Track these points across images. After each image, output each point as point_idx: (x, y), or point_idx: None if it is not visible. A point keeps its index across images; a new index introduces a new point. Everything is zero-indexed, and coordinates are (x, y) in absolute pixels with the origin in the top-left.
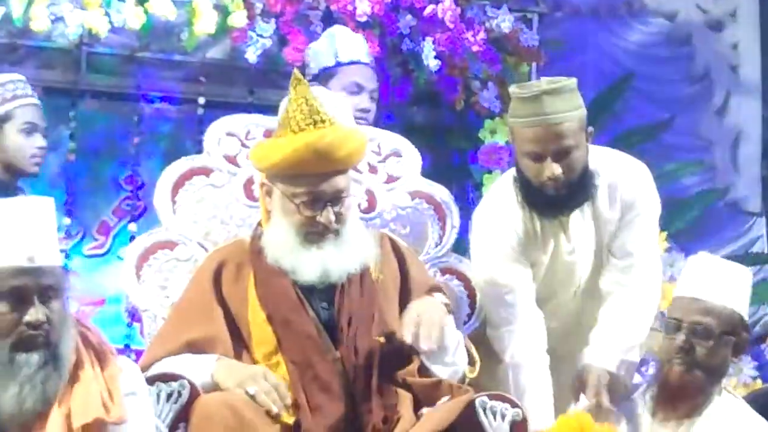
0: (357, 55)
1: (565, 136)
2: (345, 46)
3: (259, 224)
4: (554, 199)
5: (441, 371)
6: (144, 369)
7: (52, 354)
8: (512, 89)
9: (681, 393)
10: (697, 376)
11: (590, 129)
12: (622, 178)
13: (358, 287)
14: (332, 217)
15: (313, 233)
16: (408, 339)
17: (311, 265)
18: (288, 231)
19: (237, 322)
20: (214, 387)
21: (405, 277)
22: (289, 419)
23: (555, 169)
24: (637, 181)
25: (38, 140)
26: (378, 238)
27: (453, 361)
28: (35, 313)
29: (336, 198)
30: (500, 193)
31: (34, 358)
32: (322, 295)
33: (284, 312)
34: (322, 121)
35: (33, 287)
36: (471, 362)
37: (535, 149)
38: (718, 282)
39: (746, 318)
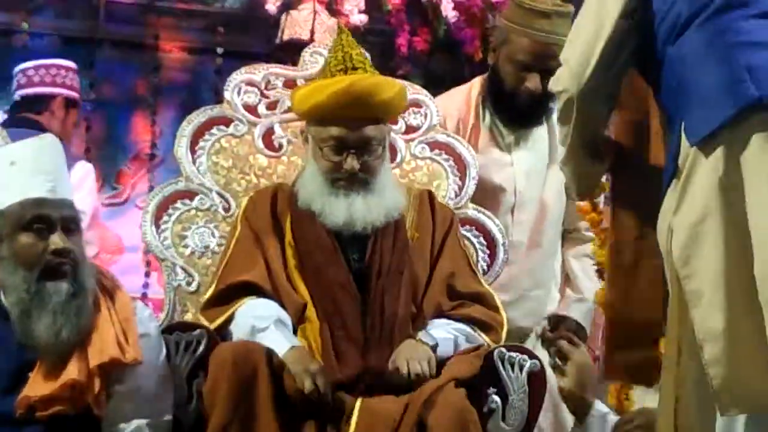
0: None
1: (556, 58)
2: None
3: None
4: (524, 109)
5: None
6: (224, 293)
7: (79, 285)
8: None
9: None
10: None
11: None
12: None
13: (390, 242)
14: (355, 165)
15: (340, 179)
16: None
17: (337, 210)
18: (317, 175)
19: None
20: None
21: (441, 244)
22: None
23: (538, 83)
24: None
25: None
26: (418, 196)
27: None
28: (60, 241)
29: (363, 147)
30: (465, 89)
31: (63, 286)
32: (354, 245)
33: (317, 256)
34: (355, 68)
35: (56, 216)
36: None
37: (527, 60)
38: None
39: None
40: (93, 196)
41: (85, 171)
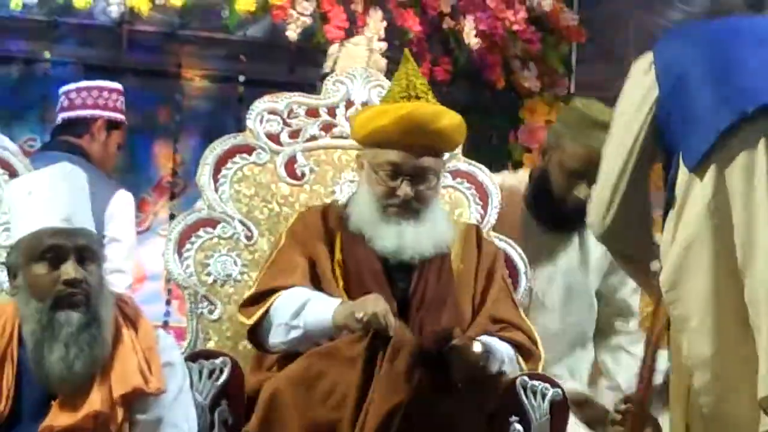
0: None
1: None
2: None
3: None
4: (570, 215)
5: None
6: (263, 293)
7: (93, 315)
8: (580, 107)
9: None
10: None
11: None
12: None
13: (436, 274)
14: (409, 192)
15: (392, 206)
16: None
17: (387, 236)
18: (370, 201)
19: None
20: (334, 329)
21: (486, 278)
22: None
23: (588, 193)
24: None
25: None
26: (465, 230)
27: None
28: (72, 271)
29: (418, 175)
30: (515, 180)
31: (74, 316)
32: (401, 273)
33: (366, 279)
34: (418, 97)
35: (69, 246)
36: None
37: (580, 168)
38: None
39: None
40: (132, 226)
41: (125, 200)
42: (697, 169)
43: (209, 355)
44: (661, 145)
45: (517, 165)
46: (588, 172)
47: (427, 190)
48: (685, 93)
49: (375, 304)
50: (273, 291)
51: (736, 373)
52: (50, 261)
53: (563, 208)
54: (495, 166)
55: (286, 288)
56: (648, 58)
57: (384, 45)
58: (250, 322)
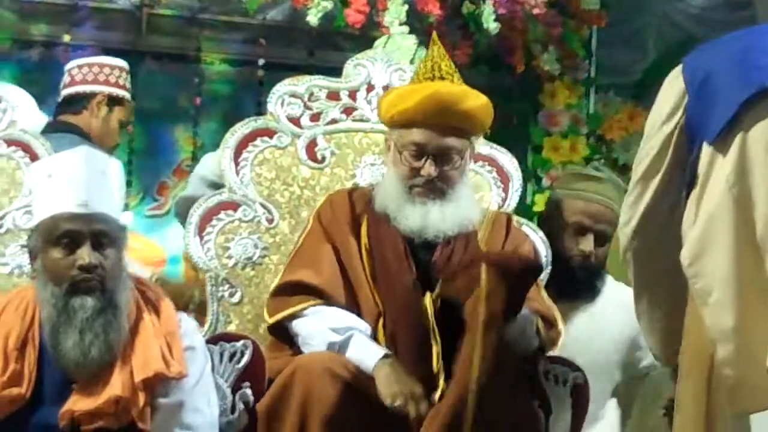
0: None
1: (611, 224)
2: None
3: None
4: (577, 275)
5: None
6: (292, 285)
7: (108, 300)
8: (570, 170)
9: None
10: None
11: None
12: None
13: (462, 247)
14: (432, 171)
15: (417, 186)
16: None
17: (411, 216)
18: (395, 181)
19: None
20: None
21: None
22: None
23: (591, 245)
24: None
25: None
26: (494, 216)
27: None
28: (87, 256)
29: (442, 154)
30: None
31: (89, 302)
32: (424, 251)
33: (388, 258)
34: (442, 78)
35: (85, 231)
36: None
37: (581, 221)
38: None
39: None
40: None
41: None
42: (718, 143)
43: (230, 338)
44: (690, 147)
45: (538, 149)
46: (589, 223)
47: (451, 170)
48: (708, 86)
49: (412, 389)
50: (301, 289)
51: (759, 344)
52: (66, 246)
53: (570, 271)
54: (515, 150)
55: (313, 290)
56: (677, 69)
57: (405, 29)
58: (270, 321)
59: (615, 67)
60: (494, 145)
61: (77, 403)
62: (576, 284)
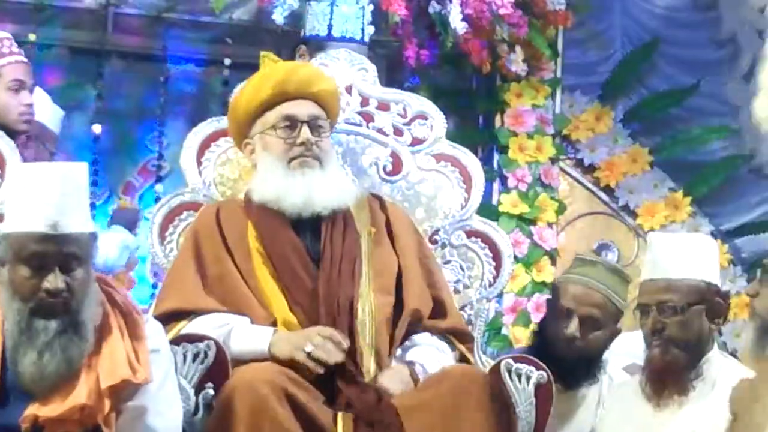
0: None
1: (597, 306)
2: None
3: None
4: (566, 361)
5: None
6: (186, 314)
7: (71, 321)
8: (576, 254)
9: (665, 374)
10: (675, 353)
11: (619, 326)
12: None
13: (341, 233)
14: (310, 136)
15: (296, 158)
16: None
17: (296, 190)
18: (272, 163)
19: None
20: (271, 357)
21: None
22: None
23: (575, 327)
24: None
25: (26, 97)
26: (369, 198)
27: None
28: (54, 281)
29: (314, 122)
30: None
31: (52, 325)
32: (310, 236)
33: (282, 247)
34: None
35: (54, 254)
36: None
37: (573, 306)
38: (676, 257)
39: (716, 283)
40: None
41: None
42: None
43: (193, 338)
44: None
45: (504, 149)
46: (574, 307)
47: (324, 140)
48: None
49: (317, 332)
50: (173, 315)
51: None
52: (34, 267)
53: (557, 355)
54: (481, 150)
55: (186, 313)
56: None
57: (371, 28)
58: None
59: (581, 68)
60: (457, 146)
61: (41, 409)
62: (562, 369)
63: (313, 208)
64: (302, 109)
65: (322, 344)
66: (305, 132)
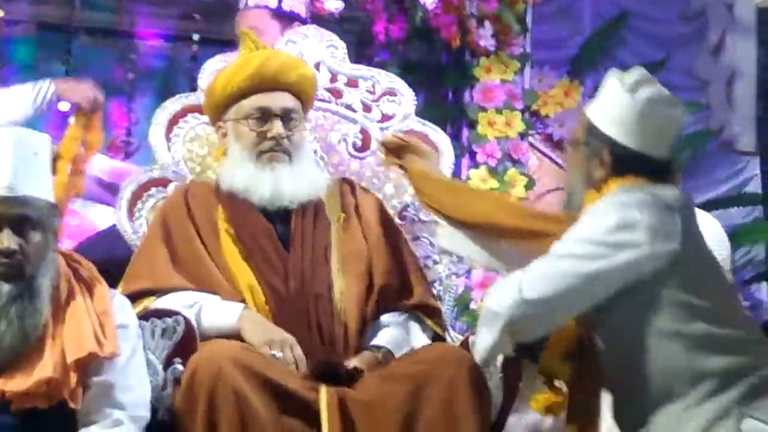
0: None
1: None
2: None
3: None
4: None
5: None
6: (154, 292)
7: (26, 286)
8: None
9: None
10: None
11: None
12: None
13: (311, 221)
14: (281, 131)
15: (265, 152)
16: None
17: (264, 184)
18: (241, 154)
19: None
20: (237, 335)
21: (377, 224)
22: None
23: None
24: None
25: None
26: (338, 182)
27: None
28: (6, 240)
29: (286, 116)
30: None
31: (5, 288)
32: (280, 224)
33: (250, 226)
34: (266, 50)
35: (6, 215)
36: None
37: None
38: None
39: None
40: None
41: None
42: None
43: (162, 314)
44: None
45: (473, 124)
46: None
47: (296, 133)
48: None
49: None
50: (141, 293)
51: None
52: None
53: None
54: (450, 125)
55: (153, 292)
56: None
57: (340, 4)
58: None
59: (550, 42)
60: (426, 122)
61: (7, 383)
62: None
63: (281, 201)
64: (276, 101)
65: (291, 362)
66: (277, 126)
